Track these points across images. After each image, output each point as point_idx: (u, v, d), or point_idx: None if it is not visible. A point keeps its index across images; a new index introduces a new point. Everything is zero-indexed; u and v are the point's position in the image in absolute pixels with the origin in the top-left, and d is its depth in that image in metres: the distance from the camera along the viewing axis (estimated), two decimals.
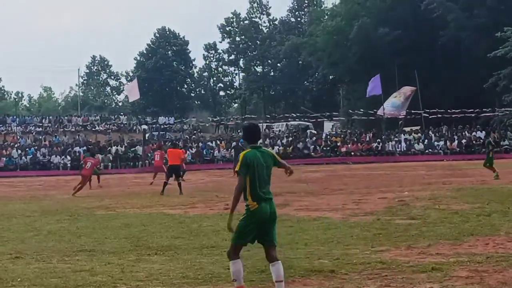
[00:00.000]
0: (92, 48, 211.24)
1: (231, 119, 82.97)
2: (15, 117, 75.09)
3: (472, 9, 64.30)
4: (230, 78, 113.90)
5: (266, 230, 7.96)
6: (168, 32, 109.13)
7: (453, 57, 66.59)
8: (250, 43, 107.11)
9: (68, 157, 52.71)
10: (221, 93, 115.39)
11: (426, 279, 8.57)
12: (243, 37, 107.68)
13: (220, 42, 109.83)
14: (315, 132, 64.49)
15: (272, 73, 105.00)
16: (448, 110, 59.26)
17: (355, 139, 56.08)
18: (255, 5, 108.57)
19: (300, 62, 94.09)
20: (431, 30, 66.15)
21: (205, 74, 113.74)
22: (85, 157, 31.62)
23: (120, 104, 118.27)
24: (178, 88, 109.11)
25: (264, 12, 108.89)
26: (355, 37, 69.66)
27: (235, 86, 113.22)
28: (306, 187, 25.08)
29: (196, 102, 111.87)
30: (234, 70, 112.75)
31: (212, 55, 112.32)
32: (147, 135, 61.08)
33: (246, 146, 8.27)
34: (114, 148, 54.45)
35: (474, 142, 51.76)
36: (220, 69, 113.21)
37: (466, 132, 54.00)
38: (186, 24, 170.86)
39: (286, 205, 18.91)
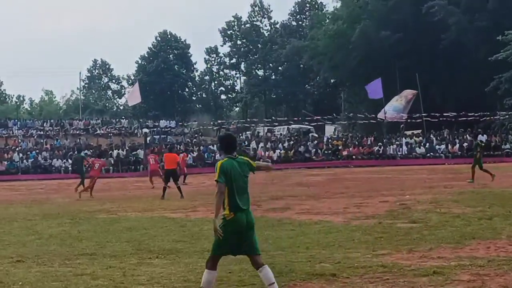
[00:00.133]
0: (93, 52, 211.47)
1: (233, 122, 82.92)
2: (16, 120, 75.09)
3: (473, 12, 64.34)
4: (231, 81, 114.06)
5: (245, 240, 7.88)
6: (169, 36, 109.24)
7: (454, 60, 66.57)
8: (251, 47, 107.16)
9: (70, 161, 52.66)
10: (222, 96, 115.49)
11: (427, 282, 8.56)
12: (244, 40, 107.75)
13: (222, 45, 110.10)
14: (317, 135, 64.49)
15: (273, 77, 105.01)
16: (450, 114, 59.28)
17: (357, 142, 56.10)
18: (257, 8, 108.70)
19: (301, 65, 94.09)
20: (433, 34, 66.13)
21: (207, 77, 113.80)
22: (93, 159, 31.84)
23: (122, 107, 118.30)
24: (180, 91, 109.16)
25: (265, 16, 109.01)
26: (356, 40, 69.65)
27: (236, 90, 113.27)
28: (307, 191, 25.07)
29: (198, 106, 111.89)
30: (236, 73, 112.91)
31: (213, 59, 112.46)
32: (148, 138, 61.08)
33: (222, 156, 8.27)
34: (115, 152, 54.50)
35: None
36: (221, 72, 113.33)
37: (467, 135, 53.98)
38: (188, 27, 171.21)
39: (288, 208, 18.90)
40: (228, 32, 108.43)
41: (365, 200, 20.59)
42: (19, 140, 63.88)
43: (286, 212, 17.88)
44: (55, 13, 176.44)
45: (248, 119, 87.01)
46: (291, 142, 57.91)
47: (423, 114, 58.78)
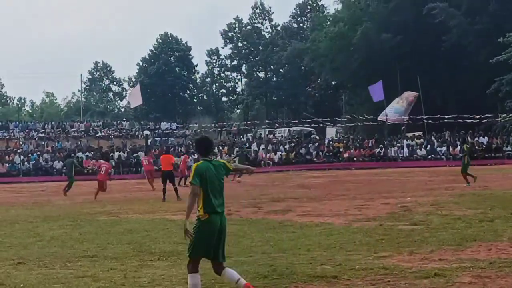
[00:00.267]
0: (94, 54, 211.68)
1: (234, 124, 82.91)
2: (17, 122, 75.10)
3: (474, 15, 64.35)
4: (232, 83, 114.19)
5: (215, 244, 7.94)
6: (170, 38, 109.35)
7: (455, 62, 66.60)
8: (252, 49, 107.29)
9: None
10: (224, 98, 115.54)
11: (428, 285, 8.56)
12: (245, 42, 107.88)
13: (223, 47, 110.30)
14: (318, 137, 64.48)
15: (274, 79, 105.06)
16: (451, 116, 59.28)
17: (358, 144, 56.07)
18: (258, 10, 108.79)
19: (302, 67, 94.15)
20: (433, 36, 66.16)
21: (208, 79, 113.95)
22: (99, 162, 32.02)
23: (123, 109, 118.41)
24: (181, 93, 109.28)
25: (266, 18, 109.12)
26: (358, 43, 69.70)
27: (237, 92, 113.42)
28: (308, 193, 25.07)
29: (199, 108, 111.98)
30: (237, 75, 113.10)
31: (214, 61, 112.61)
32: (149, 140, 61.09)
33: (199, 158, 8.33)
34: (116, 154, 54.47)
35: (476, 147, 51.67)
36: (222, 74, 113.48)
37: (468, 137, 53.92)
38: (189, 29, 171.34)
39: (289, 210, 18.89)
40: (229, 34, 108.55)
41: (366, 202, 20.58)
42: (20, 142, 63.89)
43: (287, 214, 17.87)
44: (56, 15, 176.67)
45: (249, 121, 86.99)
46: (292, 144, 57.88)
47: (424, 116, 58.77)
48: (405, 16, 69.44)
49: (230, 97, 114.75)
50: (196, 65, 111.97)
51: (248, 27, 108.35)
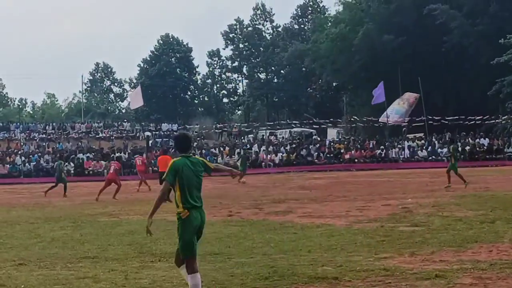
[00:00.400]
0: (95, 55, 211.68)
1: (235, 126, 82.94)
2: (18, 123, 75.24)
3: (475, 16, 64.39)
4: (233, 85, 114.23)
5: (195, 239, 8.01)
6: (171, 39, 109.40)
7: (456, 64, 66.64)
8: (253, 50, 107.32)
9: (72, 164, 52.69)
10: (225, 100, 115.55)
11: (429, 286, 8.57)
12: (246, 44, 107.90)
13: (224, 49, 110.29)
14: (319, 139, 64.48)
15: (275, 80, 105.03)
16: (452, 117, 59.28)
17: (359, 146, 56.03)
18: (259, 12, 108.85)
19: (303, 69, 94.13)
20: (435, 37, 66.20)
21: (209, 81, 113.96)
22: (111, 162, 32.16)
23: (124, 111, 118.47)
24: (182, 95, 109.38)
25: (267, 19, 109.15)
26: (359, 44, 69.72)
27: (238, 93, 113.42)
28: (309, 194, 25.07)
29: (200, 109, 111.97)
30: (238, 77, 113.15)
31: (215, 62, 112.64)
32: (150, 142, 61.09)
33: (176, 155, 8.40)
34: (117, 155, 54.40)
35: (477, 149, 51.70)
36: (223, 76, 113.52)
37: (469, 139, 53.96)
38: (190, 31, 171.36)
39: (290, 212, 18.90)
40: (230, 36, 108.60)
41: (367, 203, 20.59)
42: (21, 143, 63.91)
43: (288, 216, 17.87)
44: (57, 16, 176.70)
45: (250, 123, 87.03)
46: (293, 145, 57.87)
47: (425, 118, 58.76)
48: (406, 18, 69.46)
49: (231, 98, 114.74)
50: (197, 66, 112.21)
51: (249, 28, 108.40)
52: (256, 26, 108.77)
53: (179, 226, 7.97)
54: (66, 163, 43.68)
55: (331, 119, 74.25)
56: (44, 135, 69.94)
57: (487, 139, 53.03)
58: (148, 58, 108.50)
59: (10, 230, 16.75)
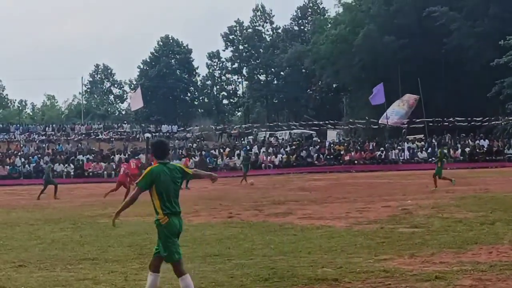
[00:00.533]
0: (95, 57, 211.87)
1: (235, 127, 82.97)
2: (18, 125, 75.32)
3: (475, 17, 64.41)
4: (233, 86, 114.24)
5: None
6: (171, 41, 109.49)
7: (456, 65, 66.62)
8: (253, 52, 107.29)
9: (72, 165, 52.69)
10: (224, 101, 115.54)
11: (429, 287, 8.57)
12: (246, 45, 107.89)
13: (224, 50, 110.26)
14: (319, 140, 64.46)
15: (275, 82, 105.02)
16: (452, 119, 59.28)
17: (359, 147, 56.01)
18: (259, 13, 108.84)
19: (303, 70, 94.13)
20: (435, 39, 66.21)
21: (209, 82, 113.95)
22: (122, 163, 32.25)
23: (124, 112, 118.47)
24: (182, 96, 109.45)
25: (267, 21, 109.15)
26: (359, 45, 69.72)
27: (238, 95, 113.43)
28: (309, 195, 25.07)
29: (200, 111, 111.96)
30: (238, 78, 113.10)
31: (215, 64, 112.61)
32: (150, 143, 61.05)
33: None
34: (117, 157, 54.45)
35: (477, 150, 51.71)
36: (223, 77, 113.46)
37: (469, 140, 53.96)
38: (190, 32, 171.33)
39: (290, 213, 18.90)
40: (230, 37, 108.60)
41: (367, 205, 20.59)
42: (21, 145, 63.96)
43: (288, 217, 17.88)
44: (57, 18, 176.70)
45: (250, 124, 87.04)
46: (293, 147, 57.86)
47: (425, 119, 58.76)
48: (406, 19, 69.49)
49: (231, 100, 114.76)
50: (197, 68, 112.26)
51: (249, 30, 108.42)
52: (256, 27, 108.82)
53: (160, 232, 8.02)
54: (54, 164, 43.63)
55: (331, 121, 74.23)
56: (44, 137, 69.98)
57: (487, 140, 53.03)
58: (148, 60, 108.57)
59: (10, 231, 16.76)
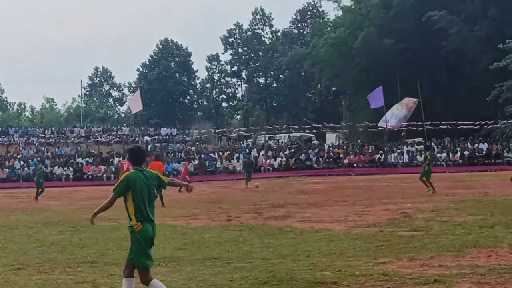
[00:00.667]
0: (95, 59, 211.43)
1: (234, 130, 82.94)
2: (17, 128, 75.30)
3: (474, 21, 64.41)
4: (232, 89, 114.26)
5: None
6: (170, 44, 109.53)
7: (456, 68, 66.71)
8: (252, 55, 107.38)
9: (71, 168, 52.69)
10: (224, 104, 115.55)
11: None
12: (245, 48, 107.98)
13: (223, 53, 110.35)
14: (318, 143, 64.44)
15: (274, 85, 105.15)
16: (451, 122, 59.29)
17: (358, 150, 56.03)
18: (258, 16, 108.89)
19: (302, 73, 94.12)
20: (434, 42, 66.29)
21: (208, 85, 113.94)
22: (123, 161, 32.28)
23: (123, 115, 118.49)
24: (181, 99, 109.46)
25: (266, 24, 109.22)
26: (358, 48, 69.72)
27: (237, 98, 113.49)
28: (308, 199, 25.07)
29: (199, 113, 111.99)
30: (237, 81, 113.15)
31: (214, 67, 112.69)
32: (149, 146, 61.06)
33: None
34: (116, 160, 54.41)
35: (476, 154, 51.74)
36: (222, 80, 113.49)
37: (468, 144, 53.98)
38: (189, 35, 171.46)
39: (289, 216, 18.91)
40: (230, 40, 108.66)
41: (366, 208, 20.60)
42: (20, 148, 63.92)
43: (287, 220, 17.89)
44: (56, 20, 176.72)
45: (249, 127, 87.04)
46: (292, 150, 57.85)
47: (424, 122, 58.75)
48: (405, 23, 69.50)
49: (230, 103, 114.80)
50: (196, 71, 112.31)
51: (249, 33, 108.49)
52: (255, 30, 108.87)
53: (133, 239, 8.03)
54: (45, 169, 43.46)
55: (330, 124, 74.22)
56: (43, 140, 69.92)
57: (486, 144, 53.06)
58: (147, 63, 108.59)
59: (9, 234, 16.75)
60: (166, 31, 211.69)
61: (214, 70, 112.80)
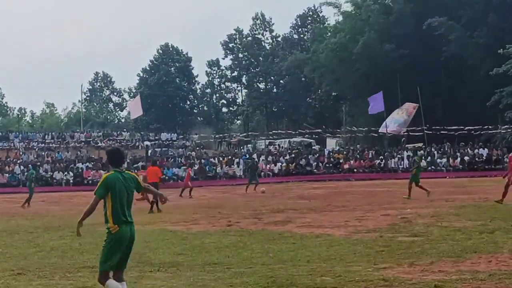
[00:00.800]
0: (95, 65, 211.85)
1: (234, 135, 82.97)
2: (17, 133, 75.27)
3: (474, 26, 64.42)
4: (232, 94, 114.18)
5: (124, 254, 8.15)
6: (171, 49, 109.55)
7: (456, 74, 66.76)
8: (253, 60, 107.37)
9: (71, 173, 52.70)
10: (224, 109, 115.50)
11: None
12: (246, 53, 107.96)
13: (223, 58, 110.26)
14: (318, 148, 64.46)
15: (275, 90, 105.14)
16: (451, 127, 59.30)
17: (358, 156, 56.01)
18: (258, 21, 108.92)
19: (303, 78, 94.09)
20: (434, 48, 66.33)
21: (208, 90, 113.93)
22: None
23: (123, 120, 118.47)
24: (181, 104, 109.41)
25: (267, 29, 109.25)
26: (359, 53, 69.75)
27: (237, 103, 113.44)
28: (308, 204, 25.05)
29: (199, 119, 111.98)
30: (237, 86, 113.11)
31: (215, 72, 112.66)
32: (149, 151, 61.10)
33: (110, 169, 8.53)
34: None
35: (477, 159, 51.71)
36: (222, 85, 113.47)
37: (468, 149, 53.96)
38: (189, 40, 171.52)
39: (289, 221, 18.89)
40: (230, 45, 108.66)
41: (366, 213, 20.59)
42: (21, 153, 63.93)
43: (287, 225, 17.87)
44: (57, 25, 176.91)
45: (250, 132, 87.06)
46: (293, 155, 57.83)
47: (424, 128, 58.79)
48: (405, 28, 69.56)
49: (230, 108, 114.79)
50: (197, 76, 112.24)
51: (249, 38, 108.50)
52: (256, 35, 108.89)
53: (107, 240, 8.05)
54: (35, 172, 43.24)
55: (331, 129, 74.26)
56: (43, 145, 69.95)
57: (486, 149, 53.03)
58: (148, 68, 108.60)
59: (9, 239, 16.74)
60: (166, 36, 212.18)
61: (214, 75, 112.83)
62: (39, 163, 55.27)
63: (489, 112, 60.26)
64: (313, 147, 65.46)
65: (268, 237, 15.34)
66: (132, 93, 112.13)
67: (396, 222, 17.58)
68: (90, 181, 51.70)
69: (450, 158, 52.39)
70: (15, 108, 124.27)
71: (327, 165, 54.54)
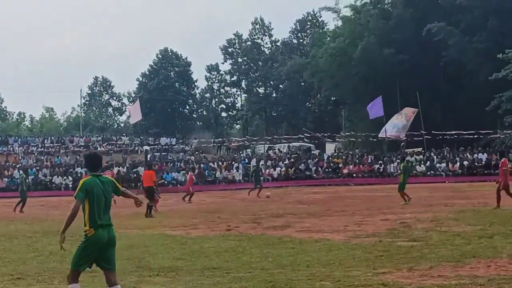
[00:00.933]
0: (94, 69, 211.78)
1: (233, 140, 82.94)
2: (17, 137, 75.15)
3: (473, 31, 64.49)
4: (232, 99, 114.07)
5: (104, 256, 8.25)
6: (170, 53, 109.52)
7: (455, 79, 66.80)
8: (252, 64, 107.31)
9: (70, 178, 52.66)
10: (223, 114, 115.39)
11: None
12: (245, 58, 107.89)
13: (222, 63, 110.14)
14: (317, 153, 64.43)
15: (274, 94, 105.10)
16: (450, 132, 59.31)
17: (357, 160, 55.99)
18: (257, 26, 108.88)
19: (302, 83, 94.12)
20: (433, 53, 66.37)
21: (207, 95, 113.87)
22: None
23: (122, 125, 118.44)
24: (180, 109, 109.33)
25: (266, 34, 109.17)
26: (359, 58, 69.78)
27: (237, 107, 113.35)
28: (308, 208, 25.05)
29: (198, 123, 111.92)
30: (236, 91, 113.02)
31: (214, 76, 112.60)
32: (149, 156, 61.06)
33: (88, 173, 8.61)
34: (116, 169, 54.38)
35: (476, 164, 51.69)
36: (222, 90, 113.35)
37: (468, 154, 53.95)
38: (188, 45, 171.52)
39: (288, 226, 18.89)
40: (229, 50, 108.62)
41: (366, 218, 20.60)
42: (20, 157, 63.89)
43: (286, 230, 17.88)
44: (56, 30, 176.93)
45: (249, 137, 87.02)
46: (292, 160, 57.79)
47: (424, 132, 58.80)
48: (404, 33, 69.62)
49: (230, 113, 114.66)
50: (196, 81, 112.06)
51: (248, 43, 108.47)
52: (255, 40, 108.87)
53: (83, 241, 8.21)
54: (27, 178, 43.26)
55: (330, 134, 74.24)
56: (42, 149, 69.91)
57: (485, 154, 53.00)
58: (147, 72, 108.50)
59: (8, 244, 16.74)
60: (165, 41, 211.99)
61: (214, 80, 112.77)
62: (33, 168, 55.32)
63: (489, 117, 60.30)
64: (312, 152, 65.45)
65: (267, 241, 15.34)
66: (131, 98, 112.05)
67: (395, 226, 17.59)
68: None
69: (450, 163, 52.37)
70: (14, 112, 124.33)
71: (327, 169, 54.50)
